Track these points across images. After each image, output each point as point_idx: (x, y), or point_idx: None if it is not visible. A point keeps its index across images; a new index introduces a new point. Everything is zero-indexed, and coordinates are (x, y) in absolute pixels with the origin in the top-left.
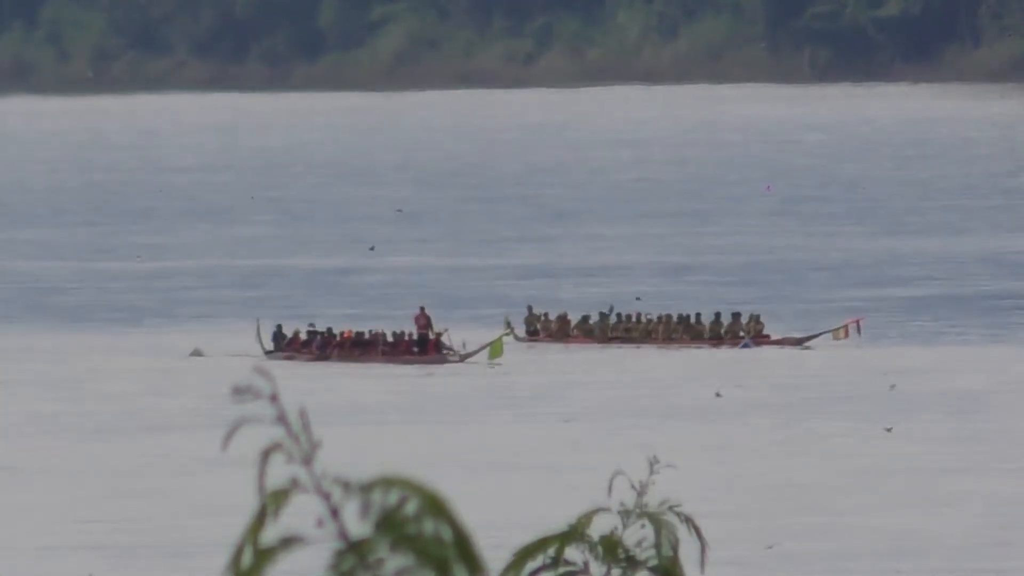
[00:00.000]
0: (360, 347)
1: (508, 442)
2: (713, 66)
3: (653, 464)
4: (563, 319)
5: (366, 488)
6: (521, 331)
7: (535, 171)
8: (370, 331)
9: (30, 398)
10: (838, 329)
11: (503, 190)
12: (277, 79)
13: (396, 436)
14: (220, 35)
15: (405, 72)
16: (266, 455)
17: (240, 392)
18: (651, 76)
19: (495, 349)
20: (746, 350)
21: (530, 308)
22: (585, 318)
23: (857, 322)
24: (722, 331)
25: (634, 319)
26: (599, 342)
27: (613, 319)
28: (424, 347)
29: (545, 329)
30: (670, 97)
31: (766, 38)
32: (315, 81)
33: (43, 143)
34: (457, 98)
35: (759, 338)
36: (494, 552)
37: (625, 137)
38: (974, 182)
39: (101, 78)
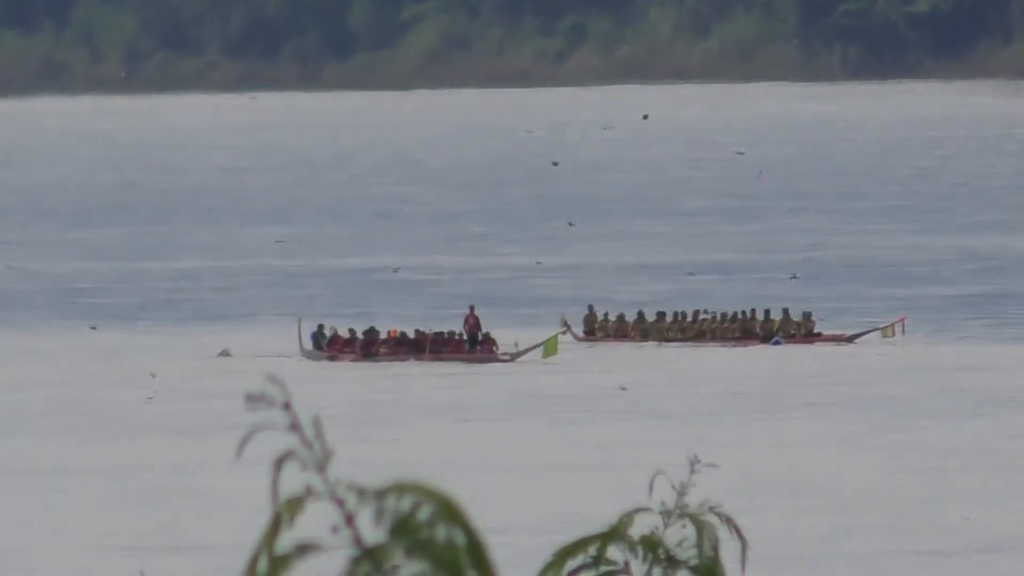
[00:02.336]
0: (407, 346)
1: (557, 441)
2: (744, 64)
3: (694, 464)
4: (621, 319)
5: (380, 494)
6: (580, 330)
7: (567, 170)
8: (416, 331)
9: (67, 399)
10: (887, 327)
11: (534, 189)
12: (308, 79)
13: (446, 435)
14: (251, 35)
15: (436, 71)
16: (279, 463)
17: (254, 400)
18: (682, 74)
19: (549, 347)
20: (778, 347)
21: (591, 307)
22: (640, 316)
23: (902, 320)
24: (775, 328)
25: (689, 318)
26: (655, 341)
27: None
28: (474, 347)
29: (603, 329)
30: (701, 95)
31: (797, 36)
32: (346, 81)
33: (75, 143)
34: (488, 97)
35: (810, 336)
36: (539, 551)
37: (655, 136)
38: (1007, 179)
39: (133, 78)
